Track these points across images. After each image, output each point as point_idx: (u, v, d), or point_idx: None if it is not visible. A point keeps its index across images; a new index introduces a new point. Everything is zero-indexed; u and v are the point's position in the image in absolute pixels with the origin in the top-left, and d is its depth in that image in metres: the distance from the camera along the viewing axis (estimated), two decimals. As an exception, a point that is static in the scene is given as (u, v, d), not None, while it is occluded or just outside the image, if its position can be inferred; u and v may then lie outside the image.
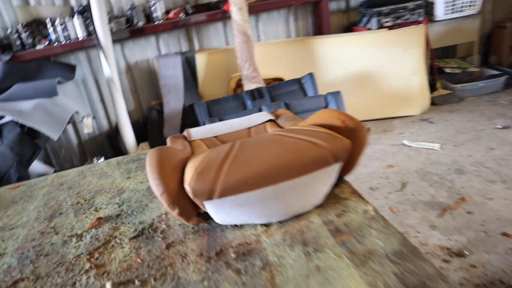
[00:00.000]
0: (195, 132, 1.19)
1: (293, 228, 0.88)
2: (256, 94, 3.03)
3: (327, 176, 0.90)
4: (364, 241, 0.81)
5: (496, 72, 3.99)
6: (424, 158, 2.78)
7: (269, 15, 3.85)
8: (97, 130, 3.69)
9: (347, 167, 0.99)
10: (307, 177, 0.86)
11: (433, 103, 3.64)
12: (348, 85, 3.44)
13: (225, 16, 3.39)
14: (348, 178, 2.70)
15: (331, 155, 0.88)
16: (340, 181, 1.01)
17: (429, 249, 1.94)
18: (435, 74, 3.85)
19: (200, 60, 3.52)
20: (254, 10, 3.57)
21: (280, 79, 3.36)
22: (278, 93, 3.05)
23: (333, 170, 0.90)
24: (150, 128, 3.44)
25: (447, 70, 3.98)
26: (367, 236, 0.83)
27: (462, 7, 3.81)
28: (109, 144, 3.64)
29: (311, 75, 3.10)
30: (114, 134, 3.49)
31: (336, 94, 2.88)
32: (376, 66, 3.48)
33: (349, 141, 0.91)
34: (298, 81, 3.10)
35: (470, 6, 3.84)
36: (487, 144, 2.88)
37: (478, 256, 1.87)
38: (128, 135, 3.22)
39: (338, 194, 0.97)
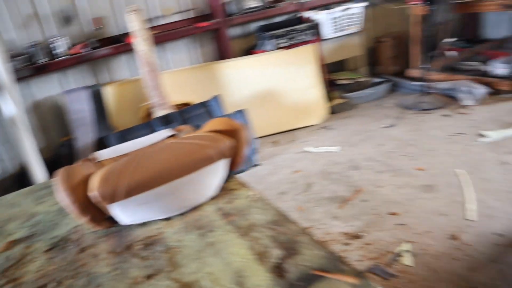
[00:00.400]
0: (102, 154, 1.30)
1: (191, 218, 1.04)
2: (166, 120, 3.16)
3: (215, 171, 1.07)
4: (248, 217, 1.00)
5: (381, 80, 4.54)
6: (326, 161, 3.10)
7: (175, 44, 4.03)
8: (2, 174, 3.54)
9: (234, 163, 1.17)
10: (197, 174, 1.03)
11: (332, 111, 4.05)
12: (254, 103, 3.71)
13: (130, 48, 3.49)
14: (258, 187, 2.94)
15: (215, 153, 1.05)
16: (230, 175, 1.19)
17: (332, 237, 2.19)
18: (330, 86, 4.29)
19: (110, 92, 3.57)
20: (159, 40, 3.72)
21: (189, 104, 3.52)
22: (187, 117, 3.20)
23: (219, 166, 1.08)
24: (62, 164, 3.38)
25: (341, 82, 4.45)
26: (251, 214, 1.01)
27: (345, 26, 4.32)
28: (18, 186, 3.50)
29: (216, 97, 3.31)
30: (23, 175, 3.38)
31: (241, 112, 3.12)
32: (277, 83, 3.80)
33: (230, 139, 1.10)
34: (204, 104, 3.29)
35: (352, 25, 4.36)
36: (377, 142, 3.30)
37: (372, 235, 2.16)
38: (39, 174, 3.15)
39: (228, 186, 1.15)
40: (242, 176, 3.00)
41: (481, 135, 3.14)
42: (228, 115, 3.13)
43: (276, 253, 0.85)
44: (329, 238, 2.19)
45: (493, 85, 4.00)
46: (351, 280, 0.74)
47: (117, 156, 1.26)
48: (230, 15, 4.03)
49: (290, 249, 0.85)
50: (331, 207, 2.48)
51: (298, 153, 3.32)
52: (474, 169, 2.69)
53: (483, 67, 4.43)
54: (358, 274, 0.76)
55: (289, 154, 3.33)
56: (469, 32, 5.93)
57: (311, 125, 3.86)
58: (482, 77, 4.18)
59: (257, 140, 3.53)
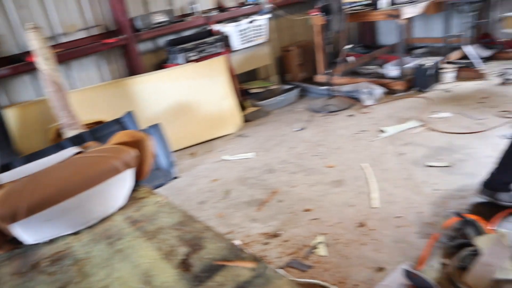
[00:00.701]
0: (2, 177, 1.25)
1: (100, 229, 1.05)
2: (77, 140, 3.05)
3: (121, 181, 1.10)
4: (156, 222, 1.03)
5: (291, 86, 4.80)
6: (243, 167, 3.20)
7: (80, 62, 3.90)
8: None
9: (141, 172, 1.20)
10: (103, 185, 1.05)
11: (246, 120, 4.19)
12: (170, 117, 3.71)
13: (32, 68, 3.32)
14: (178, 199, 2.95)
15: (120, 163, 1.08)
16: (138, 185, 1.22)
17: (252, 238, 2.28)
18: (243, 95, 4.44)
19: (12, 116, 3.36)
20: (64, 58, 3.59)
21: (102, 122, 3.43)
22: (101, 135, 3.12)
23: (125, 176, 1.10)
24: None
25: (253, 91, 4.62)
26: (158, 218, 1.05)
27: (252, 37, 4.50)
28: None
29: (130, 113, 3.27)
30: None
31: (156, 127, 3.13)
32: (191, 96, 3.84)
33: (134, 150, 1.13)
34: (118, 121, 3.23)
35: (259, 36, 4.56)
36: (289, 145, 3.48)
37: (289, 232, 2.28)
38: None
39: (137, 195, 1.18)
40: (161, 190, 2.98)
41: (381, 131, 3.46)
42: (143, 130, 3.10)
43: (182, 250, 0.90)
44: (249, 240, 2.27)
45: (389, 86, 4.43)
46: (249, 265, 0.82)
47: (19, 178, 1.22)
48: (138, 30, 4.01)
49: (195, 245, 0.91)
50: (250, 210, 2.57)
51: (216, 162, 3.39)
52: (376, 161, 2.96)
53: (379, 70, 4.88)
54: (255, 259, 0.84)
55: (207, 164, 3.39)
56: (367, 39, 6.50)
57: (227, 134, 3.95)
58: (379, 79, 4.60)
59: (175, 153, 3.54)
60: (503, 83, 4.18)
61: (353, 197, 2.56)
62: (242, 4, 4.88)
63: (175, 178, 3.18)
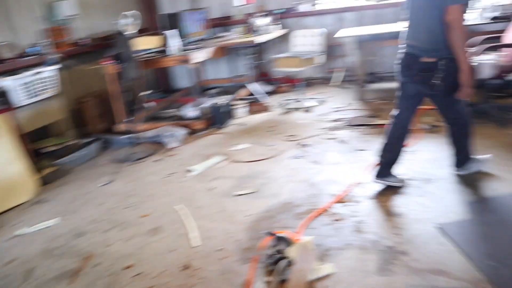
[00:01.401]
0: None
1: None
2: None
3: None
4: None
5: (91, 139, 4.49)
6: (45, 238, 2.77)
7: None
8: None
9: None
10: None
11: (43, 183, 3.70)
12: None
13: None
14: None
15: None
16: None
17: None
18: (36, 156, 3.93)
19: None
20: None
21: None
22: None
23: None
24: None
25: (48, 149, 4.14)
26: None
27: (40, 91, 4.07)
28: None
29: None
30: None
31: None
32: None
33: None
34: None
35: (47, 89, 4.15)
36: (98, 202, 3.22)
37: (111, 297, 2.09)
38: None
39: None
40: None
41: (189, 170, 3.56)
42: None
43: None
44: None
45: (190, 126, 4.63)
46: None
47: None
48: None
49: None
50: (61, 286, 2.25)
51: (9, 240, 2.85)
52: (189, 201, 3.01)
53: (179, 113, 5.07)
54: None
55: (-5, 244, 2.84)
56: (164, 84, 6.70)
57: (21, 204, 3.41)
58: (180, 121, 4.78)
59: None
60: (284, 113, 4.87)
61: (173, 241, 2.53)
62: (21, 55, 4.39)
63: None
